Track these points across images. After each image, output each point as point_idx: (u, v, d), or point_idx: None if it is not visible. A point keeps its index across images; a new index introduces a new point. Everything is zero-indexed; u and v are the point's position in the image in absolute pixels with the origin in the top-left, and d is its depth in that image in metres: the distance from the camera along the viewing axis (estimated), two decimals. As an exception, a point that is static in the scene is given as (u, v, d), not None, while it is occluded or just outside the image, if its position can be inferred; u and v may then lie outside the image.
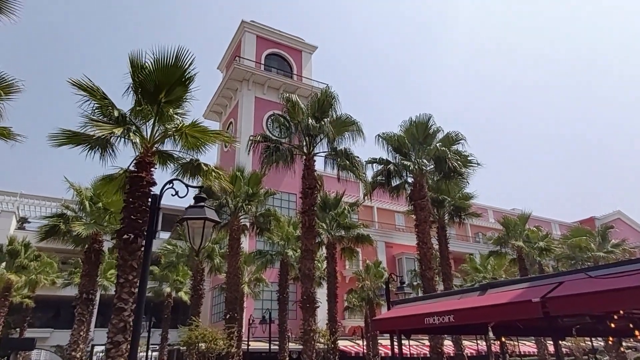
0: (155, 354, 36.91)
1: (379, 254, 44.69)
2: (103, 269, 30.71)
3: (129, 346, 9.03)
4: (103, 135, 9.42)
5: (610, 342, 22.03)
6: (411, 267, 42.22)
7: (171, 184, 7.09)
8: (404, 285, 14.21)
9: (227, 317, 19.73)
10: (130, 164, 10.53)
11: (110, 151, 11.26)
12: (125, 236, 9.62)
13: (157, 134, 10.74)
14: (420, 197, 17.82)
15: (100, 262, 19.73)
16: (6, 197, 40.37)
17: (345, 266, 43.49)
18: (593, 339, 23.89)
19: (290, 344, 29.61)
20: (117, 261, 9.74)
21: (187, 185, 7.03)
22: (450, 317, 9.20)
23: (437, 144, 17.79)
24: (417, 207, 17.95)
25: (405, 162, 17.88)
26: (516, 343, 33.56)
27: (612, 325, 11.83)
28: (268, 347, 23.00)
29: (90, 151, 10.98)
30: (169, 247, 27.54)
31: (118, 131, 9.34)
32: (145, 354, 20.45)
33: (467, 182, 19.03)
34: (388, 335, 41.58)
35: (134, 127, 10.68)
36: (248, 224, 23.61)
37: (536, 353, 36.55)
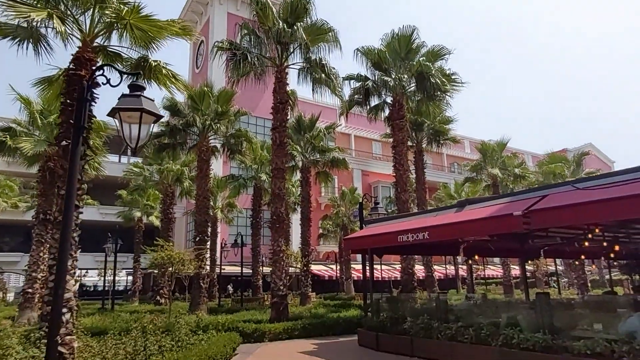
0: (129, 277, 36.98)
1: (355, 181, 44.59)
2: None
3: (73, 262, 8.21)
4: (22, 19, 7.81)
5: (576, 264, 22.79)
6: (386, 194, 42.48)
7: (102, 70, 5.81)
8: (378, 205, 13.68)
9: (197, 239, 19.18)
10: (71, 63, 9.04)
11: (46, 47, 9.68)
12: (64, 142, 8.42)
13: (98, 26, 9.15)
14: (399, 117, 16.86)
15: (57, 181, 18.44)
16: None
17: (320, 193, 43.40)
18: (557, 261, 24.76)
19: (264, 268, 29.90)
20: (57, 171, 8.61)
21: (121, 72, 5.76)
22: (425, 234, 8.63)
23: (420, 59, 16.50)
24: (395, 127, 17.05)
25: (385, 78, 16.65)
26: (482, 267, 34.90)
27: (586, 244, 11.66)
28: (240, 270, 22.88)
29: (19, 45, 9.40)
30: (135, 169, 26.29)
31: (37, 16, 7.70)
32: (112, 277, 19.97)
33: (449, 104, 18.05)
34: (360, 260, 42.54)
35: (71, 18, 9.06)
36: (218, 146, 22.43)
37: (501, 276, 38.40)
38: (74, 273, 8.18)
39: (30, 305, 16.43)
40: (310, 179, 23.77)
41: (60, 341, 7.67)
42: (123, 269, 36.15)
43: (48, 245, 18.08)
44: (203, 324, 10.49)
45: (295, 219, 33.01)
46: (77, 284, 8.23)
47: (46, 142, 16.89)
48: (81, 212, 8.54)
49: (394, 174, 17.00)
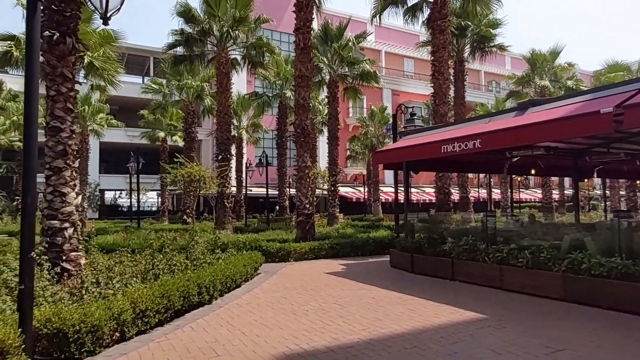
0: (160, 199, 37.52)
1: (384, 101, 42.24)
2: (89, 111, 28.85)
3: (73, 173, 7.30)
4: None
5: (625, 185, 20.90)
6: (418, 115, 40.18)
7: None
8: (414, 117, 12.11)
9: (219, 157, 18.29)
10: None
11: None
12: (47, 33, 7.11)
13: None
14: (441, 16, 14.55)
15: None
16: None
17: (348, 113, 41.54)
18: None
19: (291, 189, 29.36)
20: (43, 69, 7.42)
21: None
22: (477, 142, 7.17)
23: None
24: (435, 29, 14.81)
25: (427, -32, 14.16)
26: (519, 189, 33.33)
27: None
28: (266, 191, 22.24)
29: None
30: (153, 85, 25.06)
31: None
32: (137, 197, 19.72)
33: (500, 1, 15.40)
34: (389, 182, 41.53)
35: None
36: (239, 58, 20.71)
37: (537, 199, 36.85)
38: (74, 185, 7.30)
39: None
40: (338, 95, 22.05)
41: (64, 257, 7.00)
42: (152, 189, 36.57)
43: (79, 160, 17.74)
44: (221, 242, 9.75)
45: (322, 141, 31.77)
46: (80, 197, 7.37)
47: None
48: (75, 118, 7.45)
49: (432, 84, 15.10)
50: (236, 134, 30.19)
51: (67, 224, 7.04)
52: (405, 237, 10.06)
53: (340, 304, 6.46)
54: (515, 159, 11.98)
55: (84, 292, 5.60)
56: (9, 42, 15.76)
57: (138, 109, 31.36)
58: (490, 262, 7.49)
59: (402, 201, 13.43)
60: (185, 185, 16.75)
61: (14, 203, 27.73)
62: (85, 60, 16.74)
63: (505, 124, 7.14)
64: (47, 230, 6.99)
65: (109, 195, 48.36)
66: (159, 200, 46.60)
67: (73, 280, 6.58)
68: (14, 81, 28.09)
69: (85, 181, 30.51)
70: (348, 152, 39.74)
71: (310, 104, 13.15)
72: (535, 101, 7.56)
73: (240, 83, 31.31)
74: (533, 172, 11.41)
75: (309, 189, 12.92)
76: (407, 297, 6.87)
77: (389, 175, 43.59)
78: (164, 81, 26.30)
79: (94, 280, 5.87)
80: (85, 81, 21.47)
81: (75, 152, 7.36)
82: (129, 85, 34.08)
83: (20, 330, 3.89)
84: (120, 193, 45.15)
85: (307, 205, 12.75)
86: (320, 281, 8.45)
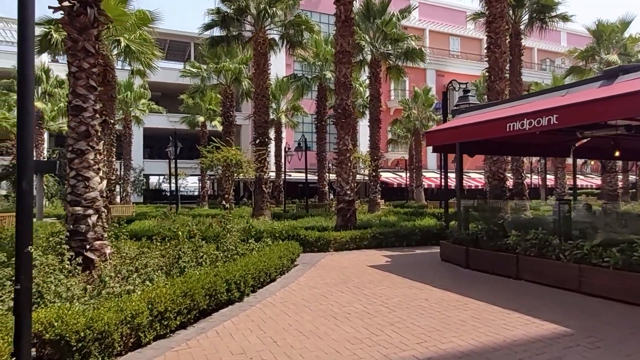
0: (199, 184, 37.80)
1: (428, 82, 40.32)
2: (132, 97, 29.13)
3: (96, 156, 6.77)
4: None
5: None
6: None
7: None
8: (469, 94, 10.84)
9: (257, 141, 17.69)
10: None
11: None
12: (67, 3, 6.54)
13: None
14: (497, -18, 13.03)
15: (109, 81, 17.36)
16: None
17: (389, 96, 40.01)
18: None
19: (330, 175, 28.54)
20: (65, 43, 6.89)
21: None
22: (553, 118, 5.99)
23: None
24: (491, -3, 13.30)
25: None
26: (569, 176, 30.89)
27: None
28: (305, 177, 21.52)
29: None
30: (192, 69, 24.76)
31: None
32: (175, 181, 19.54)
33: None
34: (432, 167, 39.86)
35: None
36: (277, 38, 19.90)
37: (597, 187, 34.13)
38: (98, 169, 6.78)
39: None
40: (380, 75, 20.83)
41: (88, 247, 6.52)
42: (193, 174, 36.88)
43: (103, 143, 17.71)
44: (255, 230, 9.06)
45: (362, 125, 30.62)
46: (104, 182, 6.85)
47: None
48: (98, 96, 6.90)
49: (487, 57, 13.65)
50: (275, 118, 29.61)
51: (90, 211, 6.53)
52: (459, 227, 8.99)
53: (388, 307, 5.58)
54: (585, 139, 10.55)
55: (101, 287, 5.05)
56: (49, 25, 15.70)
57: (179, 95, 31.43)
58: (567, 260, 6.35)
59: (452, 187, 12.29)
60: (222, 170, 16.33)
61: (64, 187, 28.62)
62: (122, 44, 16.53)
63: (590, 95, 5.90)
64: (70, 217, 6.54)
65: (153, 180, 49.64)
66: (200, 185, 47.25)
67: (97, 271, 6.09)
68: (61, 69, 28.73)
69: (129, 166, 31.07)
70: (389, 136, 38.36)
71: (352, 83, 12.14)
72: (627, 68, 6.24)
73: (278, 67, 30.59)
74: (617, 153, 9.89)
75: (350, 173, 12.01)
76: (467, 299, 5.89)
77: (431, 160, 41.86)
78: (203, 66, 26.00)
79: (112, 274, 5.30)
80: (126, 66, 21.51)
81: (98, 134, 6.83)
82: (171, 72, 34.21)
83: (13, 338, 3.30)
84: (164, 178, 46.05)
85: (348, 192, 11.86)
86: (364, 276, 7.61)
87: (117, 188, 29.82)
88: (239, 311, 5.45)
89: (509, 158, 16.11)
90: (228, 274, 5.66)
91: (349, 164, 11.86)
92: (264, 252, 7.45)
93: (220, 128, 29.77)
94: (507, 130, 6.83)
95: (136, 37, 17.00)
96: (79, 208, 6.47)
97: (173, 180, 22.72)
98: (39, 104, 25.27)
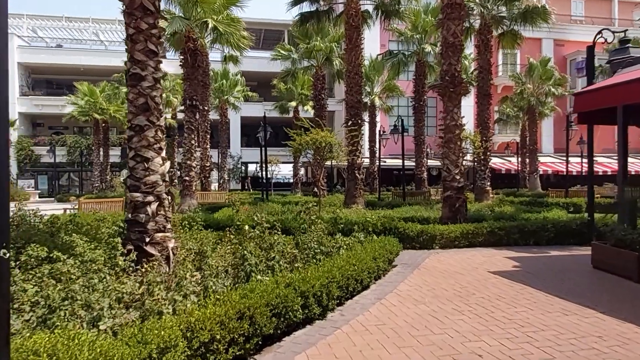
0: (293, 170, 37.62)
1: (545, 53, 35.14)
2: (227, 85, 29.47)
3: (159, 133, 5.75)
4: None
5: None
6: (596, 65, 32.37)
7: None
8: (628, 45, 8.06)
9: (349, 123, 16.14)
10: None
11: None
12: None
13: None
14: None
15: (199, 65, 17.11)
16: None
17: (497, 73, 35.68)
18: None
19: (429, 160, 25.99)
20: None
21: None
22: None
23: None
24: None
25: None
26: None
27: None
28: (401, 162, 19.50)
29: None
30: (282, 52, 23.93)
31: None
32: (265, 168, 18.92)
33: None
34: (548, 152, 34.92)
35: None
36: (370, 10, 18.04)
37: None
38: (160, 149, 5.75)
39: (189, 192, 16.29)
40: (492, 43, 17.91)
41: (148, 239, 5.53)
42: (287, 162, 36.78)
43: (197, 132, 17.58)
44: (342, 222, 7.52)
45: (465, 105, 27.36)
46: (167, 164, 5.80)
47: (182, 18, 15.19)
48: (159, 62, 5.84)
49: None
50: (368, 102, 27.83)
51: (150, 197, 5.51)
52: (620, 224, 6.54)
53: (540, 347, 3.68)
54: None
55: (145, 297, 3.90)
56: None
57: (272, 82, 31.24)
58: None
59: (595, 171, 9.51)
60: (313, 155, 15.18)
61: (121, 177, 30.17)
62: (210, 25, 16.07)
63: None
64: (129, 205, 5.62)
65: (252, 168, 51.11)
66: (293, 171, 47.34)
67: (157, 268, 5.06)
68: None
69: (226, 154, 31.71)
70: (497, 115, 34.27)
71: (463, 44, 9.93)
72: None
73: (372, 46, 28.57)
74: None
75: (460, 155, 9.90)
76: (670, 342, 3.73)
77: (546, 142, 36.74)
78: (293, 48, 25.17)
79: (159, 280, 4.14)
80: (216, 50, 21.33)
81: (159, 107, 5.79)
82: (266, 61, 34.17)
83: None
84: (259, 165, 47.04)
85: (457, 177, 9.77)
86: (487, 287, 5.68)
87: (214, 175, 30.63)
88: (317, 337, 3.97)
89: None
90: (305, 283, 4.20)
91: (459, 143, 9.74)
92: (355, 250, 5.90)
93: (312, 113, 28.87)
94: None
95: (224, 17, 16.51)
96: (137, 194, 5.48)
97: (261, 167, 22.42)
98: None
